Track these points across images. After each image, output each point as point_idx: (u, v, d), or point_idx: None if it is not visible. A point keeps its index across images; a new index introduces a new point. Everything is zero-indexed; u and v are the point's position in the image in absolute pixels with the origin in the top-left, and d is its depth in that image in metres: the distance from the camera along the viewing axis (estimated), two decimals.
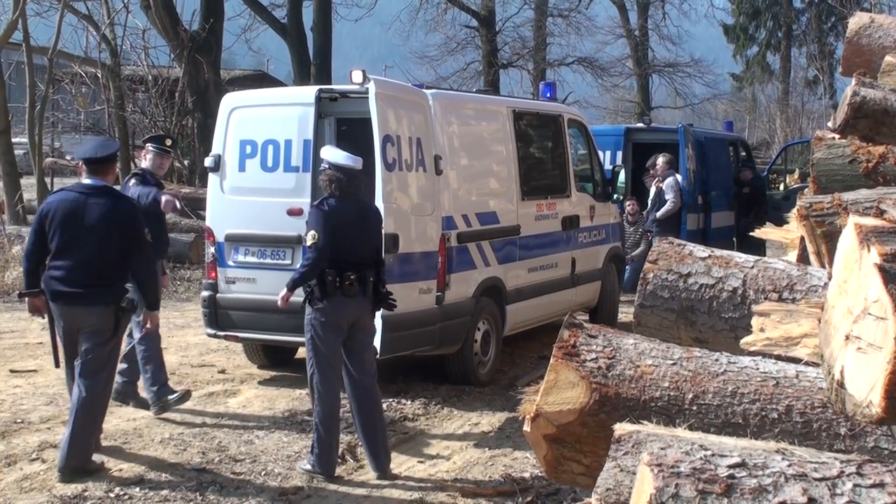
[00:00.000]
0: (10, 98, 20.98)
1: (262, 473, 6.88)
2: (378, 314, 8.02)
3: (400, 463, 7.23)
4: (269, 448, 7.44)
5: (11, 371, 9.53)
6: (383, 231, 7.99)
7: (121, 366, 7.69)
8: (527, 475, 6.95)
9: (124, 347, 7.63)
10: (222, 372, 9.79)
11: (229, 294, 9.11)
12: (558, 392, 3.34)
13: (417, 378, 9.48)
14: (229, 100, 9.50)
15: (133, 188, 8.08)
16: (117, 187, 7.56)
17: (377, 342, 8.11)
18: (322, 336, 6.73)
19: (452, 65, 37.47)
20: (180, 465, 6.98)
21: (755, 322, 3.52)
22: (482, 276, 9.42)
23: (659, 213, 14.48)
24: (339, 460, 7.01)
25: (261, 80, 30.35)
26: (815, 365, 3.22)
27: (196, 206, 17.55)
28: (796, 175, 24.36)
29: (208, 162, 9.34)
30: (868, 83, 4.48)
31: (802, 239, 4.34)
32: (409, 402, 8.74)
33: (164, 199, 7.93)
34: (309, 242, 6.74)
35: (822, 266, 3.99)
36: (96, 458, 6.86)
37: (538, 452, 3.49)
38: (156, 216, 7.96)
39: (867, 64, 5.23)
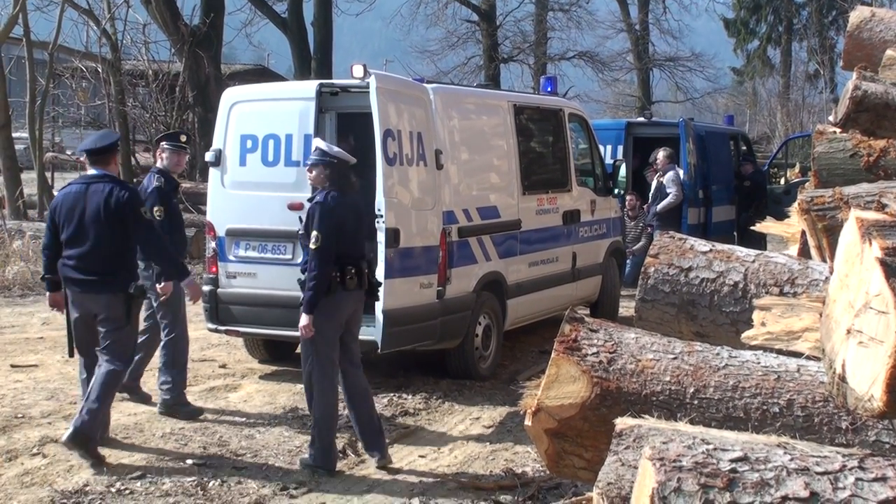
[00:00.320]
0: (11, 93, 20.94)
1: (264, 468, 6.89)
2: (379, 310, 8.05)
3: (401, 457, 7.24)
4: (270, 443, 7.44)
5: (12, 366, 9.53)
6: (385, 226, 8.03)
7: None
8: (528, 469, 6.95)
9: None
10: (223, 367, 9.80)
11: (230, 289, 9.12)
12: (559, 386, 3.34)
13: (418, 373, 9.48)
14: (230, 94, 9.50)
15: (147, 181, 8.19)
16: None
17: (378, 337, 8.13)
18: (324, 332, 6.72)
19: (453, 59, 37.53)
20: (181, 460, 6.98)
21: (756, 316, 3.51)
22: (483, 270, 9.42)
23: (660, 206, 14.46)
24: (340, 455, 7.02)
25: (261, 74, 30.33)
26: (817, 359, 3.21)
27: (197, 200, 17.54)
28: (797, 169, 24.32)
29: (209, 156, 9.34)
30: (869, 77, 4.48)
31: (803, 233, 4.34)
32: (410, 397, 8.75)
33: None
34: (313, 245, 6.64)
35: (824, 260, 3.98)
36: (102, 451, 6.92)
37: (539, 447, 3.49)
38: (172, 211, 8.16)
39: (868, 58, 5.23)
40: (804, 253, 4.37)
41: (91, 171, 7.06)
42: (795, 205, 4.20)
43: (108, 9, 22.21)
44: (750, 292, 3.82)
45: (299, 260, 8.04)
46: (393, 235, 8.15)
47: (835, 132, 4.65)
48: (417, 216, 8.59)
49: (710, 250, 4.01)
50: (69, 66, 24.02)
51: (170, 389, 7.93)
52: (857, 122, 4.38)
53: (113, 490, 6.37)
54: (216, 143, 9.31)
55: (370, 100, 8.16)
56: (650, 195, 14.90)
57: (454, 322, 8.96)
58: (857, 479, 2.42)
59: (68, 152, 29.82)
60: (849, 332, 2.54)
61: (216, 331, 9.34)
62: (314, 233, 6.63)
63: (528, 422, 3.41)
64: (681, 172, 14.67)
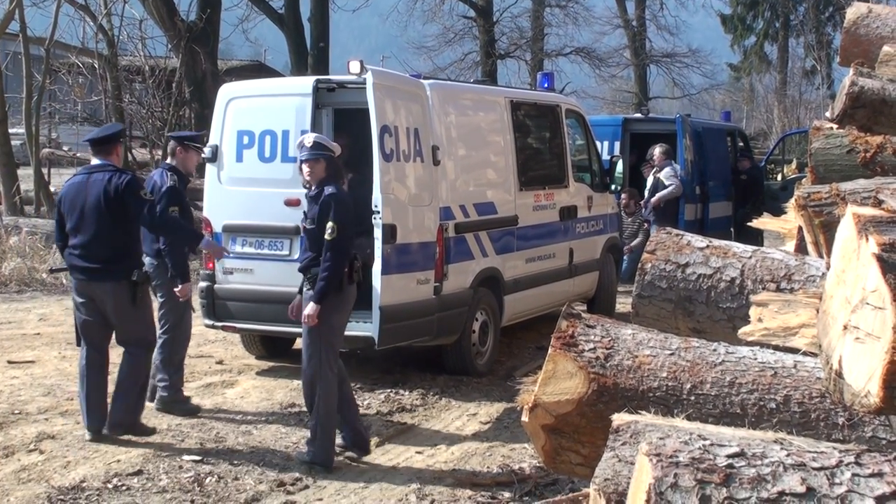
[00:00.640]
0: (7, 88, 20.88)
1: (261, 464, 6.88)
2: (375, 306, 8.05)
3: (398, 454, 7.24)
4: (267, 439, 7.44)
5: (9, 362, 9.53)
6: (381, 222, 8.04)
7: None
8: (525, 466, 6.95)
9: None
10: (220, 363, 9.80)
11: (227, 285, 9.11)
12: (556, 382, 3.34)
13: (415, 369, 9.49)
14: (226, 90, 9.48)
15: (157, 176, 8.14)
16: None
17: (374, 333, 8.13)
18: (335, 327, 6.76)
19: (450, 55, 37.50)
20: (178, 456, 6.98)
21: (753, 312, 3.52)
22: (480, 266, 9.42)
23: (659, 195, 14.40)
24: (337, 451, 7.02)
25: (258, 70, 30.26)
26: (813, 355, 3.22)
27: (193, 196, 17.48)
28: (794, 165, 24.34)
29: (206, 152, 9.33)
30: (866, 73, 4.48)
31: (800, 229, 4.34)
32: (406, 393, 8.75)
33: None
34: (328, 237, 6.61)
35: (820, 256, 3.98)
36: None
37: (536, 443, 3.49)
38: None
39: (865, 54, 5.23)
40: (801, 249, 4.37)
41: (94, 161, 7.28)
42: (792, 201, 4.20)
43: (105, 4, 22.15)
44: (747, 288, 3.82)
45: (296, 256, 8.05)
46: (390, 231, 8.15)
47: (831, 128, 4.64)
48: (414, 212, 8.58)
49: (707, 246, 4.01)
50: (66, 62, 23.97)
51: (167, 387, 7.92)
52: (854, 118, 4.38)
53: (109, 486, 6.37)
54: (213, 139, 9.30)
55: (367, 96, 8.15)
56: (646, 191, 14.90)
57: (451, 318, 8.96)
58: (854, 475, 2.42)
59: (65, 148, 29.79)
60: (845, 327, 2.54)
61: (213, 327, 9.34)
62: (330, 223, 6.62)
63: (524, 418, 3.41)
64: (677, 168, 14.68)
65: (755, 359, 3.33)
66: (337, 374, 6.84)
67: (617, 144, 15.65)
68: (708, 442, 2.52)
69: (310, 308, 6.63)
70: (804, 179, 4.99)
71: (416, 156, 8.63)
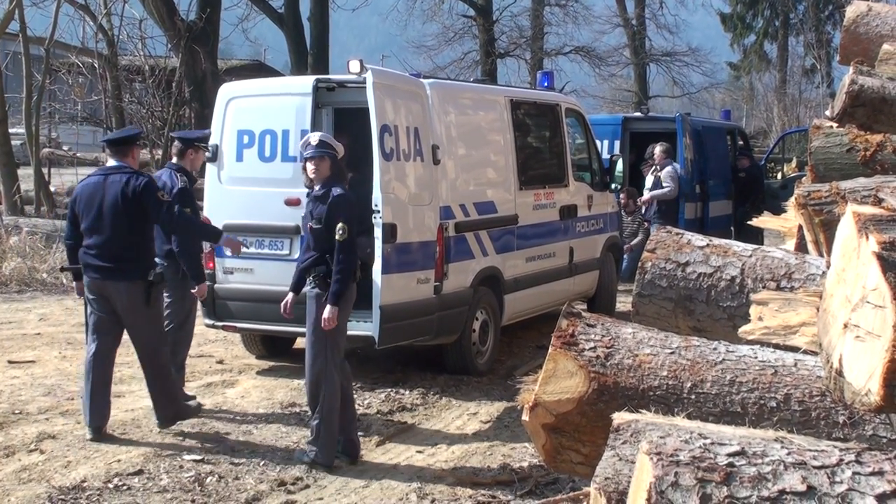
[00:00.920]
0: (7, 88, 20.92)
1: (261, 464, 6.88)
2: (376, 305, 8.05)
3: (398, 453, 7.24)
4: (267, 438, 7.44)
5: (10, 362, 9.52)
6: (381, 221, 8.03)
7: None
8: (525, 465, 6.95)
9: None
10: (220, 362, 9.79)
11: (227, 284, 9.11)
12: (557, 381, 3.34)
13: (415, 368, 9.48)
14: (226, 90, 9.48)
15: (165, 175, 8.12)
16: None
17: (375, 332, 8.12)
18: (342, 326, 6.79)
19: (450, 54, 37.50)
20: (179, 456, 6.98)
21: (753, 311, 3.52)
22: (480, 265, 9.41)
23: (654, 193, 14.42)
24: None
25: (258, 69, 30.26)
26: (814, 353, 3.22)
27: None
28: (794, 164, 24.34)
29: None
30: (865, 72, 4.48)
31: (800, 227, 4.34)
32: (407, 392, 8.75)
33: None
34: (339, 237, 6.62)
35: (821, 255, 3.99)
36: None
37: (537, 442, 3.49)
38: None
39: (865, 52, 5.23)
40: (801, 248, 4.38)
41: (110, 163, 7.38)
42: (792, 199, 4.20)
43: (105, 4, 22.17)
44: (747, 287, 3.82)
45: (296, 255, 8.04)
46: (390, 231, 8.14)
47: (831, 127, 4.65)
48: (414, 211, 8.58)
49: (707, 245, 4.01)
50: (65, 61, 23.99)
51: None
52: (854, 116, 4.38)
53: (110, 486, 6.37)
54: (213, 138, 9.29)
55: (367, 95, 8.14)
56: (646, 190, 14.90)
57: (451, 317, 8.96)
58: (854, 474, 2.42)
59: (65, 148, 29.80)
60: (846, 326, 2.54)
61: (213, 326, 9.34)
62: (340, 224, 6.64)
63: (525, 417, 3.42)
64: (678, 167, 14.68)
65: (755, 357, 3.33)
66: (341, 374, 6.85)
67: (617, 143, 15.64)
68: (708, 441, 2.52)
69: (328, 311, 6.62)
70: (804, 178, 4.99)
71: (416, 155, 8.62)
